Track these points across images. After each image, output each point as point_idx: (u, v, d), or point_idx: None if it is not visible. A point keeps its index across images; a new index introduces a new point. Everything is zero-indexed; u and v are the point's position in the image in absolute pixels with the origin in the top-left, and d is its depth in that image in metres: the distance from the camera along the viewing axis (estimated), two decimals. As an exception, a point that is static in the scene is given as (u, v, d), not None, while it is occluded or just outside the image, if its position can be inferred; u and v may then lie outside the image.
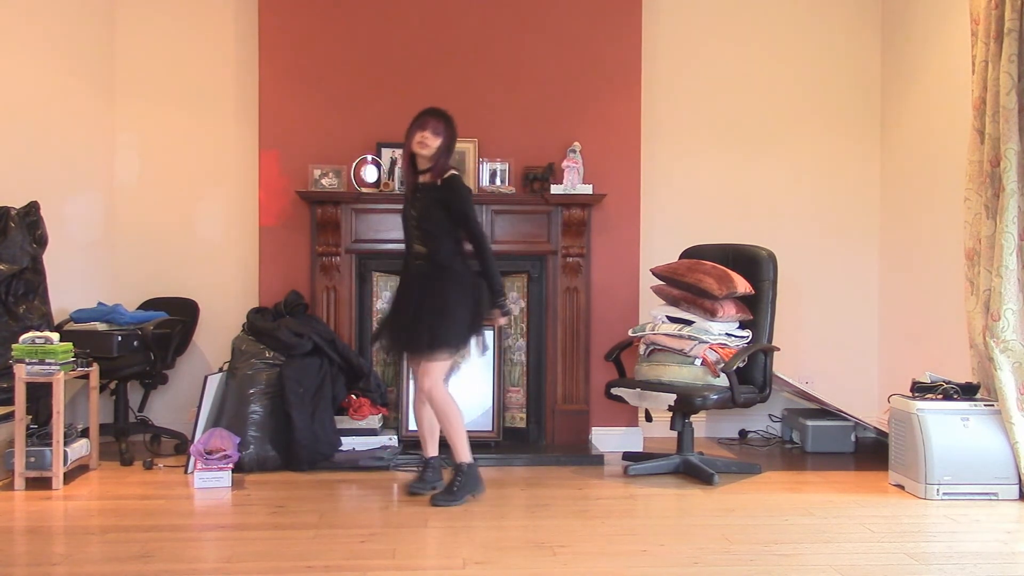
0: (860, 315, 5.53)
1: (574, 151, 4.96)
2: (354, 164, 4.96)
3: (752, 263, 4.62)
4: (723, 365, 4.30)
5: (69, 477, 4.16)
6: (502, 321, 4.08)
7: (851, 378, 5.47)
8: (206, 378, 4.55)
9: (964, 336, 4.29)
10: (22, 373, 3.99)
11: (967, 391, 4.13)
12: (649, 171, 5.30)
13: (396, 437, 4.73)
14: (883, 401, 4.78)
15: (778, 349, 4.60)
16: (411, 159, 3.96)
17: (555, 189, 4.93)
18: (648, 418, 4.70)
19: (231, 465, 4.14)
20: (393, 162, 5.00)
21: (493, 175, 5.03)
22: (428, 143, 3.89)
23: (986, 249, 4.10)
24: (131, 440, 4.74)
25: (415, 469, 4.22)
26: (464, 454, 3.91)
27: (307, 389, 4.52)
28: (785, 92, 5.50)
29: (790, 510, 3.78)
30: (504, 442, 4.93)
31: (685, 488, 4.18)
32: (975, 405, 4.04)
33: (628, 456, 4.73)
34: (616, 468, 4.57)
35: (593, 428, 5.07)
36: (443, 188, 3.89)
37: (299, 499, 3.90)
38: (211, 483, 4.06)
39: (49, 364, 4.01)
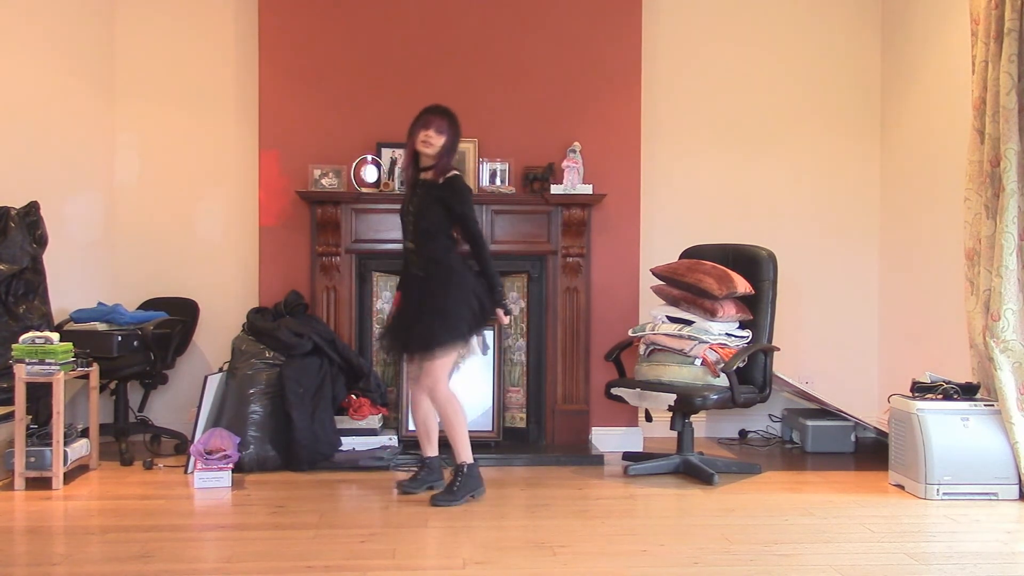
0: (860, 315, 5.53)
1: (574, 151, 4.96)
2: (354, 164, 4.96)
3: (752, 263, 4.62)
4: (723, 365, 4.30)
5: (69, 477, 4.16)
6: (504, 320, 4.07)
7: (851, 378, 5.47)
8: (206, 378, 4.55)
9: (964, 336, 4.29)
10: (22, 373, 3.99)
11: (967, 391, 4.13)
12: (649, 171, 5.30)
13: (396, 437, 4.73)
14: (883, 401, 4.78)
15: (778, 349, 4.60)
16: (414, 155, 3.96)
17: (555, 189, 4.93)
18: (648, 418, 4.70)
19: (231, 465, 4.14)
20: (393, 162, 5.00)
21: (493, 175, 5.03)
22: (432, 142, 3.89)
23: (986, 249, 4.10)
24: (131, 440, 4.74)
25: (413, 469, 4.22)
26: (465, 454, 3.91)
27: (307, 389, 4.52)
28: (785, 92, 5.50)
29: (790, 510, 3.78)
30: (504, 442, 4.93)
31: (685, 488, 4.18)
32: (975, 405, 4.04)
33: (628, 456, 4.73)
34: (616, 468, 4.57)
35: (593, 428, 5.07)
36: (444, 187, 3.89)
37: (299, 499, 3.90)
38: (211, 483, 4.06)
39: (49, 364, 4.01)
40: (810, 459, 4.87)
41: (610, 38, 5.14)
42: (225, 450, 4.14)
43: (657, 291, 4.77)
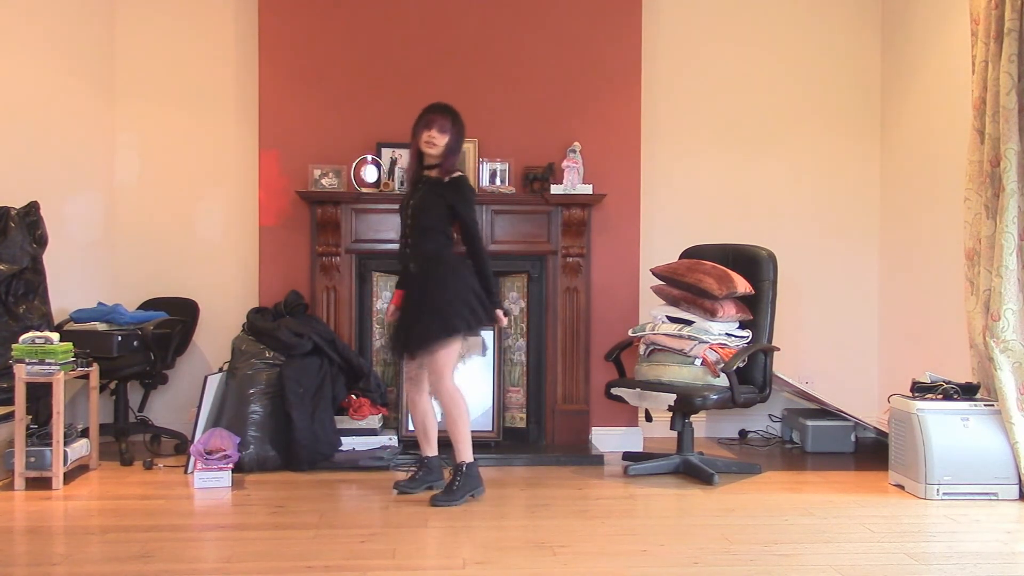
0: (860, 315, 5.53)
1: (574, 151, 4.96)
2: (354, 164, 4.96)
3: (752, 263, 4.62)
4: (723, 365, 4.30)
5: (69, 477, 4.16)
6: (503, 322, 4.08)
7: (851, 378, 5.47)
8: (206, 378, 4.55)
9: (964, 336, 4.29)
10: (22, 373, 3.99)
11: (967, 391, 4.13)
12: (649, 171, 5.30)
13: (396, 437, 4.73)
14: (883, 401, 4.78)
15: (778, 349, 4.60)
16: (418, 153, 3.97)
17: (555, 189, 4.93)
18: (648, 418, 4.70)
19: (231, 465, 4.14)
20: (393, 162, 5.00)
21: (493, 175, 5.03)
22: (435, 142, 3.89)
23: (986, 249, 4.10)
24: (131, 440, 4.74)
25: (412, 469, 4.22)
26: (466, 453, 3.90)
27: (307, 389, 4.52)
28: (785, 92, 5.50)
29: (790, 510, 3.78)
30: (504, 442, 4.93)
31: (685, 488, 4.18)
32: (975, 405, 4.04)
33: (628, 456, 4.73)
34: (616, 468, 4.57)
35: (593, 428, 5.07)
36: (449, 186, 3.90)
37: (299, 499, 3.90)
38: (211, 483, 4.06)
39: (49, 364, 4.01)
40: (810, 459, 4.87)
41: (610, 38, 5.14)
42: (225, 450, 4.14)
43: (657, 291, 4.77)
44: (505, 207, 5.00)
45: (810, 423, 5.03)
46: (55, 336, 4.07)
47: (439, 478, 4.03)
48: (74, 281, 4.95)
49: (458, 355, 3.92)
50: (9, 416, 4.06)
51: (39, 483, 4.01)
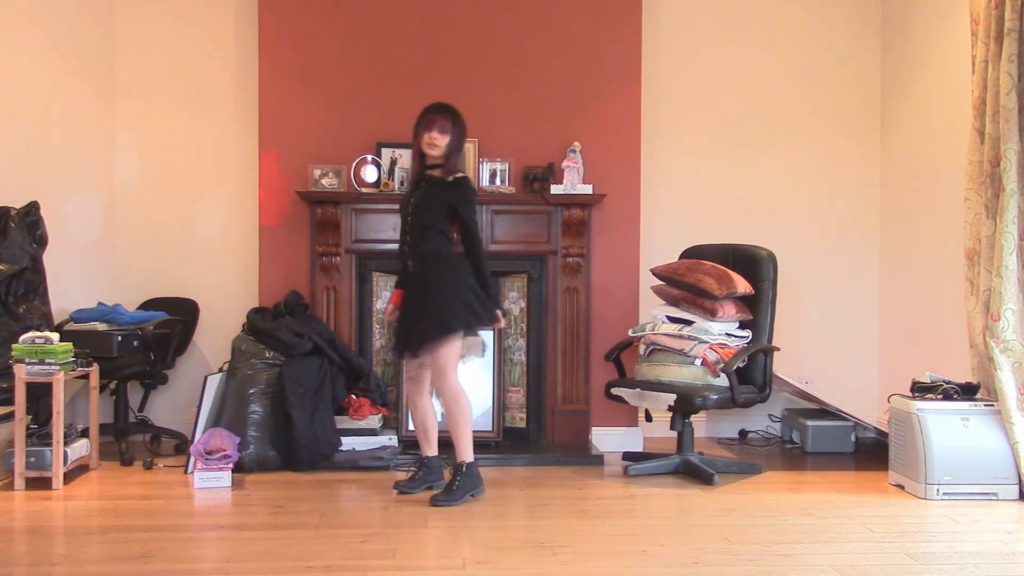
0: (860, 315, 5.53)
1: (574, 151, 4.96)
2: (354, 164, 4.96)
3: (752, 263, 4.63)
4: (723, 365, 4.30)
5: (69, 477, 4.16)
6: (502, 323, 4.08)
7: (851, 378, 5.47)
8: (206, 378, 4.55)
9: (964, 336, 4.29)
10: (22, 373, 3.99)
11: (967, 391, 4.13)
12: (649, 171, 5.30)
13: (396, 437, 4.73)
14: (883, 401, 4.78)
15: (778, 349, 4.60)
16: (420, 152, 3.97)
17: (555, 189, 4.93)
18: (648, 418, 4.70)
19: (231, 465, 4.14)
20: (393, 162, 5.00)
21: (493, 175, 5.03)
22: (437, 143, 3.90)
23: (986, 249, 4.10)
24: (131, 440, 4.74)
25: (412, 469, 4.22)
26: (466, 453, 3.90)
27: (307, 389, 4.52)
28: (785, 92, 5.50)
29: (790, 510, 3.78)
30: (504, 442, 4.93)
31: (685, 488, 4.18)
32: (975, 405, 4.04)
33: (628, 456, 4.73)
34: (616, 468, 4.57)
35: (593, 428, 5.07)
36: (452, 186, 3.90)
37: (299, 499, 3.90)
38: (211, 483, 4.06)
39: (49, 364, 4.01)
40: (810, 459, 4.87)
41: (610, 38, 5.14)
42: (225, 450, 4.14)
43: (657, 291, 4.77)
44: (505, 207, 5.00)
45: (810, 423, 5.03)
46: (55, 336, 4.07)
47: (439, 478, 4.03)
48: (74, 281, 4.95)
49: (459, 354, 3.92)
50: (9, 416, 4.06)
51: (39, 483, 4.01)
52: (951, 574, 3.00)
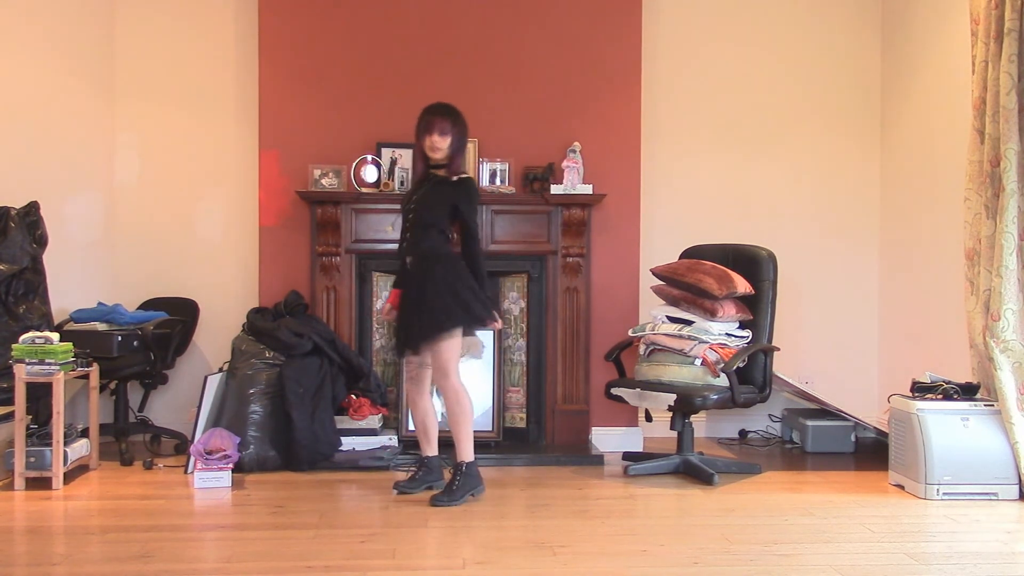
0: (860, 315, 5.53)
1: (574, 151, 4.96)
2: (354, 164, 4.96)
3: (752, 263, 4.62)
4: (723, 365, 4.30)
5: (69, 477, 4.16)
6: (499, 325, 4.07)
7: (851, 378, 5.47)
8: (206, 378, 4.55)
9: (964, 336, 4.29)
10: (22, 373, 3.99)
11: (967, 391, 4.13)
12: (649, 171, 5.30)
13: (396, 437, 4.73)
14: (883, 401, 4.78)
15: (778, 349, 4.60)
16: (423, 155, 3.98)
17: (555, 189, 4.93)
18: (648, 418, 4.70)
19: (231, 465, 4.14)
20: (393, 162, 5.00)
21: (493, 175, 5.03)
22: (438, 146, 3.90)
23: (986, 249, 4.10)
24: (131, 440, 4.74)
25: (412, 469, 4.21)
26: (467, 452, 3.90)
27: (307, 389, 4.52)
28: (785, 92, 5.50)
29: (790, 510, 3.78)
30: (504, 442, 4.93)
31: (685, 488, 4.18)
32: (975, 405, 4.04)
33: (628, 456, 4.73)
34: (616, 468, 4.57)
35: (593, 428, 5.07)
36: (455, 186, 3.91)
37: (299, 499, 3.90)
38: (211, 483, 4.06)
39: (49, 364, 4.01)
40: (810, 459, 4.87)
41: (610, 38, 5.14)
42: (225, 450, 4.14)
43: (657, 291, 4.77)
44: (505, 207, 5.00)
45: (810, 423, 5.03)
46: (55, 336, 4.07)
47: (439, 478, 4.03)
48: (74, 281, 4.95)
49: (460, 352, 3.93)
50: (9, 416, 4.06)
51: (39, 483, 4.01)
52: (951, 574, 3.00)
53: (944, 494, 3.96)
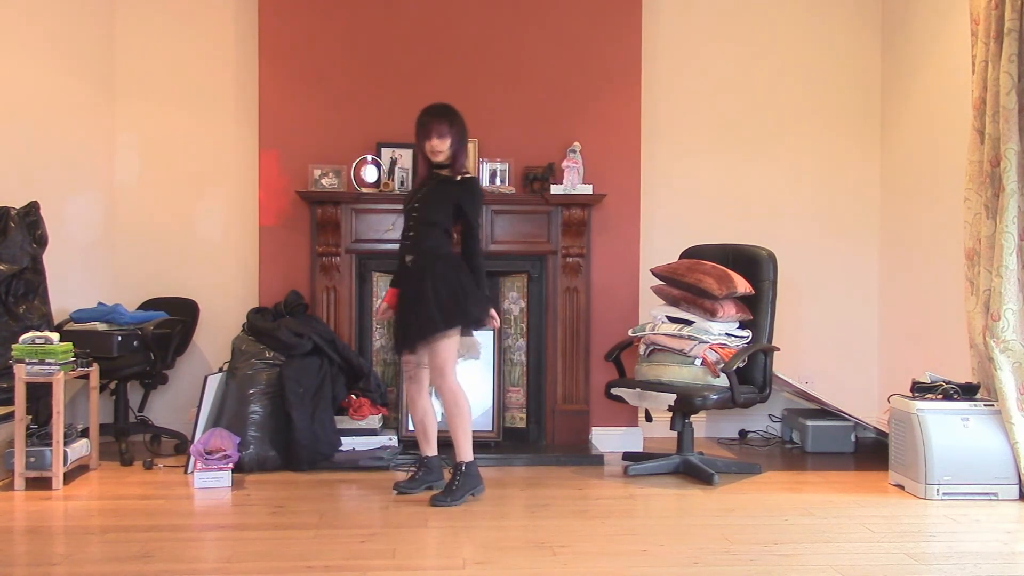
0: (860, 315, 5.53)
1: (574, 151, 4.96)
2: (354, 164, 4.96)
3: (752, 263, 4.62)
4: (723, 365, 4.30)
5: (69, 477, 4.16)
6: (496, 321, 4.04)
7: (851, 378, 5.47)
8: (206, 378, 4.55)
9: (964, 336, 4.29)
10: (22, 373, 3.99)
11: (967, 391, 4.13)
12: (649, 171, 5.30)
13: (396, 437, 4.73)
14: (883, 401, 4.78)
15: (778, 349, 4.60)
16: (425, 157, 3.98)
17: (555, 189, 4.93)
18: (648, 418, 4.70)
19: (231, 465, 4.14)
20: (393, 162, 5.00)
21: (493, 175, 5.03)
22: (438, 149, 3.90)
23: (986, 249, 4.10)
24: (131, 440, 4.74)
25: (412, 469, 4.21)
26: (466, 452, 3.90)
27: (307, 389, 4.52)
28: (785, 92, 5.50)
29: (790, 510, 3.78)
30: (504, 442, 4.93)
31: (685, 488, 4.18)
32: (975, 405, 4.04)
33: (628, 456, 4.73)
34: (616, 468, 4.57)
35: (593, 428, 5.07)
36: (461, 185, 3.91)
37: (299, 499, 3.90)
38: (211, 483, 4.06)
39: (49, 364, 4.01)
40: (810, 459, 4.87)
41: (610, 38, 5.14)
42: (225, 450, 4.14)
43: (657, 291, 4.77)
44: (505, 207, 5.00)
45: (810, 423, 5.03)
46: (55, 336, 4.07)
47: (439, 478, 4.03)
48: (74, 281, 4.95)
49: (457, 353, 3.92)
50: (9, 416, 4.06)
51: (39, 483, 4.01)
52: (951, 574, 3.00)
53: (944, 494, 3.96)
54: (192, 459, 4.19)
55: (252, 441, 4.40)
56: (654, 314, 4.71)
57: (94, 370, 4.40)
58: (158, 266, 5.25)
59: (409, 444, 4.65)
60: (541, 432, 5.05)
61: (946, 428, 3.98)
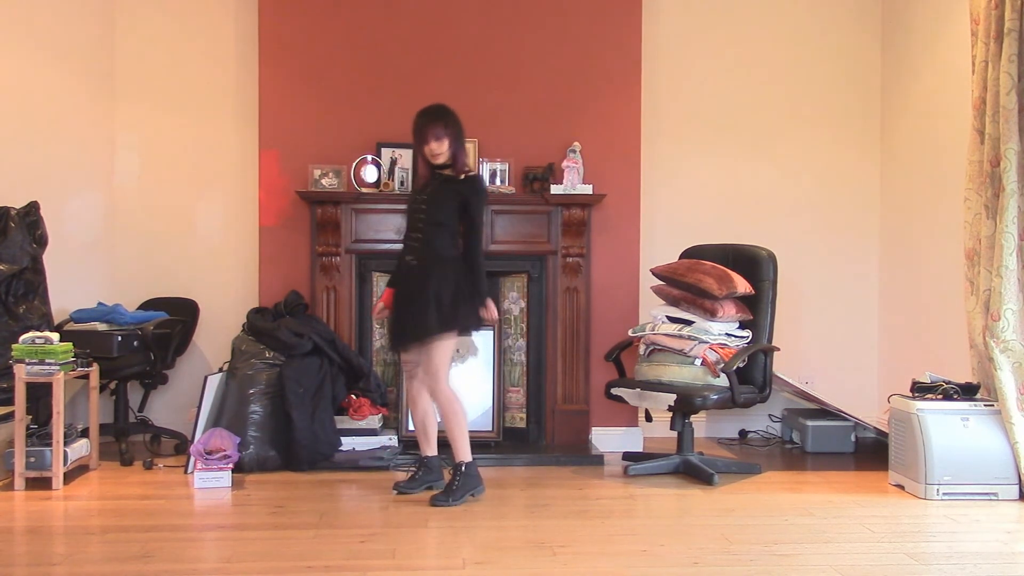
0: (860, 315, 5.53)
1: (574, 151, 4.96)
2: (354, 164, 4.96)
3: (752, 263, 4.62)
4: (723, 365, 4.30)
5: (69, 477, 4.16)
6: (493, 312, 3.99)
7: (851, 378, 5.47)
8: (206, 378, 4.55)
9: (964, 336, 4.29)
10: (22, 373, 3.99)
11: (967, 391, 4.13)
12: (649, 171, 5.30)
13: (396, 437, 4.73)
14: (883, 401, 4.78)
15: (778, 349, 4.60)
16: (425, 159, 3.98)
17: (555, 189, 4.93)
18: (648, 418, 4.70)
19: (231, 465, 4.14)
20: (393, 162, 5.00)
21: (493, 175, 5.03)
22: (438, 151, 3.90)
23: (986, 249, 4.10)
24: (131, 440, 4.74)
25: (412, 469, 4.21)
26: (464, 453, 3.90)
27: (307, 389, 4.52)
28: (785, 92, 5.50)
29: (790, 510, 3.78)
30: (504, 442, 4.93)
31: (685, 488, 4.18)
32: (975, 405, 4.04)
33: (628, 456, 4.73)
34: (616, 468, 4.57)
35: (593, 428, 5.07)
36: (465, 184, 3.91)
37: (299, 499, 3.90)
38: (211, 483, 4.06)
39: (49, 364, 4.01)
40: (810, 459, 4.87)
41: (610, 38, 5.14)
42: (225, 450, 4.14)
43: (657, 291, 4.77)
44: (505, 207, 5.00)
45: (810, 423, 5.03)
46: (55, 336, 4.07)
47: (439, 478, 4.03)
48: (74, 281, 4.95)
49: (454, 354, 3.92)
50: (9, 416, 4.06)
51: (39, 483, 4.01)
52: (951, 574, 3.00)
53: (944, 494, 3.96)
54: (192, 459, 4.19)
55: (252, 441, 4.40)
56: (654, 314, 4.71)
57: (94, 370, 4.40)
58: (158, 266, 5.25)
59: (409, 444, 4.65)
60: (541, 432, 5.05)
61: (946, 428, 3.98)
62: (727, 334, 4.47)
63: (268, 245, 5.06)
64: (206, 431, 4.30)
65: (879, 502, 3.94)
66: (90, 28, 5.13)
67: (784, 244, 5.16)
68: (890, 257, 5.43)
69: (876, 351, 5.53)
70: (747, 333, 4.52)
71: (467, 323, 3.90)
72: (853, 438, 5.05)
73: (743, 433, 5.44)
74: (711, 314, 4.45)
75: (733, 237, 5.08)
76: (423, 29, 5.11)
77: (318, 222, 4.93)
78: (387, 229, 4.97)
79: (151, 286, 5.18)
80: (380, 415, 4.79)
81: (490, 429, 4.90)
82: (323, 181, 4.94)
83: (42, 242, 4.43)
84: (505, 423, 5.01)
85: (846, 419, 4.97)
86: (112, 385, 4.81)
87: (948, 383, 4.14)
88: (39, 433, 4.06)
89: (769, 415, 5.43)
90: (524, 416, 5.08)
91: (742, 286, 4.46)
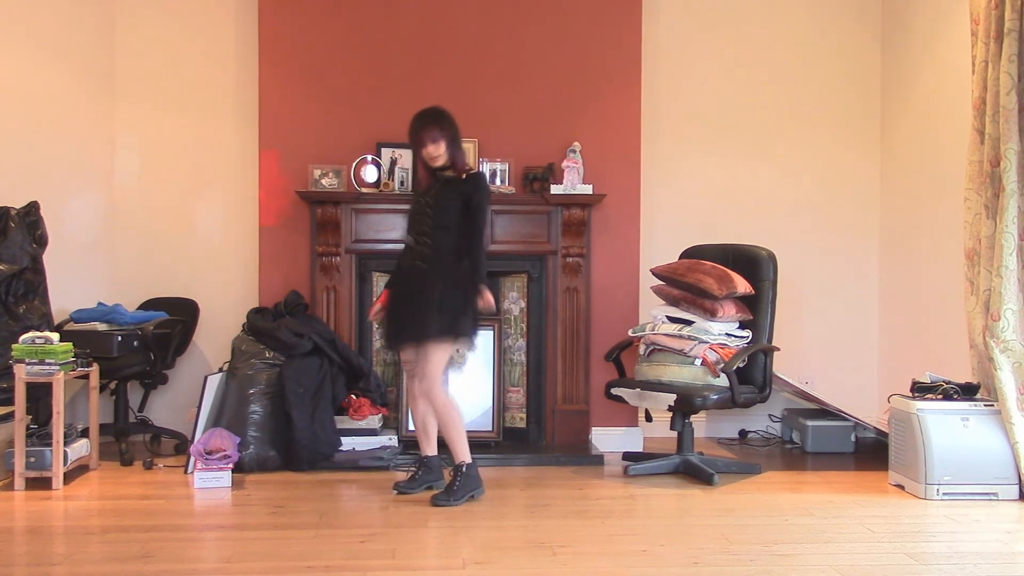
0: (860, 315, 5.53)
1: (574, 151, 4.96)
2: (354, 164, 4.96)
3: (752, 263, 4.62)
4: (723, 365, 4.30)
5: (69, 477, 4.16)
6: (489, 300, 3.94)
7: (851, 378, 5.47)
8: (206, 378, 4.55)
9: (964, 336, 4.29)
10: (22, 373, 3.99)
11: (967, 391, 4.13)
12: (649, 171, 5.30)
13: (396, 437, 4.73)
14: (883, 401, 4.78)
15: (778, 349, 4.60)
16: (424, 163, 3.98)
17: (555, 189, 4.93)
18: (648, 418, 4.70)
19: (231, 465, 4.14)
20: (393, 162, 5.00)
21: (493, 175, 5.03)
22: (435, 153, 3.90)
23: (986, 249, 4.10)
24: (131, 440, 4.74)
25: (412, 469, 4.21)
26: (463, 454, 3.90)
27: (307, 389, 4.52)
28: (785, 92, 5.50)
29: (790, 510, 3.78)
30: (504, 442, 4.93)
31: (685, 488, 4.18)
32: (975, 405, 4.04)
33: (628, 456, 4.73)
34: (616, 468, 4.57)
35: (593, 428, 5.07)
36: (468, 182, 3.91)
37: (299, 499, 3.90)
38: (211, 483, 4.06)
39: (49, 364, 4.01)
40: (810, 459, 4.87)
41: (610, 38, 5.14)
42: (225, 450, 4.14)
43: (657, 291, 4.77)
44: (505, 207, 4.99)
45: (810, 423, 5.03)
46: (55, 336, 4.07)
47: (439, 478, 4.03)
48: (74, 281, 4.95)
49: (451, 359, 3.93)
50: (9, 416, 4.06)
51: (39, 483, 4.01)
52: (951, 574, 3.00)
53: (944, 494, 3.96)
54: (192, 459, 4.19)
55: (252, 441, 4.40)
56: (654, 314, 4.71)
57: (94, 370, 4.40)
58: (158, 266, 5.25)
59: (409, 444, 4.65)
60: (541, 432, 5.05)
61: (946, 428, 3.98)
62: (727, 334, 4.47)
63: (268, 245, 5.06)
64: (206, 431, 4.30)
65: (879, 502, 3.94)
66: (90, 28, 5.13)
67: (784, 244, 5.15)
68: (890, 257, 5.43)
69: (876, 351, 5.53)
70: (747, 333, 4.52)
71: (466, 334, 3.89)
72: (853, 438, 5.05)
73: (743, 433, 5.44)
74: (711, 314, 4.45)
75: (733, 237, 5.08)
76: (423, 29, 5.11)
77: (318, 222, 4.93)
78: (387, 229, 4.97)
79: (151, 286, 5.18)
80: (380, 415, 4.79)
81: (490, 429, 4.90)
82: (323, 181, 4.94)
83: (42, 242, 4.43)
84: (505, 423, 5.01)
85: (846, 419, 4.97)
86: (112, 385, 4.81)
87: (948, 383, 4.14)
88: (39, 433, 4.06)
89: (769, 415, 5.43)
90: (524, 416, 5.08)
91: (742, 286, 4.46)
